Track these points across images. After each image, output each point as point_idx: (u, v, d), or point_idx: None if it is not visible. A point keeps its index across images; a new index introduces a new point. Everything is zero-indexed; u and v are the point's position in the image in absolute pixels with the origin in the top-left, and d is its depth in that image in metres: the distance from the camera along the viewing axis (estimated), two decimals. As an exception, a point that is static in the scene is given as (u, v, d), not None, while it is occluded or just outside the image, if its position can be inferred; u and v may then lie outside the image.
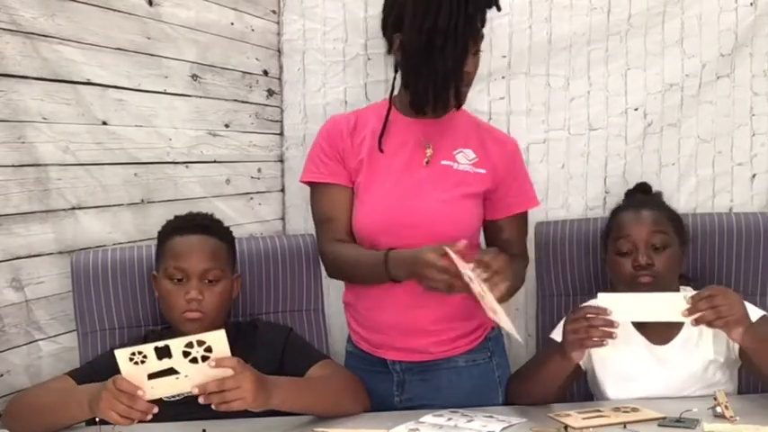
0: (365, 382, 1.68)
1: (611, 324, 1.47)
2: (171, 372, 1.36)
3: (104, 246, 1.88)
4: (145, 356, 1.35)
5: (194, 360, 1.36)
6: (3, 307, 1.71)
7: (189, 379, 1.37)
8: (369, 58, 2.21)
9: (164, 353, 1.35)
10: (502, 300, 1.44)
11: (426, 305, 1.63)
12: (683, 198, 2.19)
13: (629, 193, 1.87)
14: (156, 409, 1.37)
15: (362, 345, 1.76)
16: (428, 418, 1.53)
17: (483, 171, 1.70)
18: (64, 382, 1.58)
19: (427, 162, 1.67)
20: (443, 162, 1.68)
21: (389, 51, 1.70)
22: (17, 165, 1.71)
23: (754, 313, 1.65)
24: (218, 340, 1.36)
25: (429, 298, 1.57)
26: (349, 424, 1.52)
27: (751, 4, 2.13)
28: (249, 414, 1.51)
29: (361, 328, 1.76)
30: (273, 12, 2.24)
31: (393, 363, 1.73)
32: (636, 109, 2.19)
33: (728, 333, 1.50)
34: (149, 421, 1.54)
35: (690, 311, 1.47)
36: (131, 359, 1.35)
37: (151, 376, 1.36)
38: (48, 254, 1.80)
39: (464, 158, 1.69)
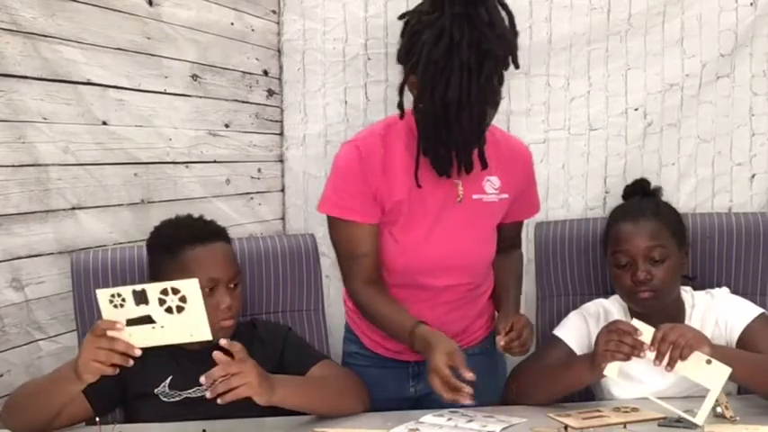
0: (378, 379, 1.71)
1: (641, 345, 1.47)
2: (148, 321, 1.37)
3: (104, 246, 1.87)
4: (124, 300, 1.35)
5: (170, 310, 1.36)
6: (3, 307, 1.71)
7: (165, 330, 1.36)
8: (369, 58, 2.21)
9: (141, 298, 1.36)
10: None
11: (445, 323, 1.65)
12: (683, 198, 2.19)
13: (627, 192, 1.85)
14: (138, 351, 1.34)
15: (380, 350, 1.78)
16: (428, 418, 1.53)
17: (506, 196, 1.70)
18: None
19: (459, 200, 1.65)
20: (474, 197, 1.66)
21: (401, 89, 1.59)
22: (17, 165, 1.71)
23: (753, 310, 1.66)
24: (191, 289, 1.35)
25: (447, 316, 1.68)
26: (349, 424, 1.52)
27: (751, 4, 2.13)
28: (249, 414, 1.52)
29: (380, 337, 1.76)
30: (273, 12, 2.24)
31: (411, 363, 1.76)
32: (636, 109, 2.19)
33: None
34: (149, 421, 1.56)
35: (660, 360, 1.45)
36: (111, 301, 1.36)
37: (129, 323, 1.36)
38: (48, 254, 1.80)
39: (491, 188, 1.68)
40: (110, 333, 1.34)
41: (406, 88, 1.57)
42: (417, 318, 1.58)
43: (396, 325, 1.61)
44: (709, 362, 1.43)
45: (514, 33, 1.54)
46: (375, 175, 1.62)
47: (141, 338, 1.36)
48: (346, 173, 1.64)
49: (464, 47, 1.46)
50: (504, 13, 1.53)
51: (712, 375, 1.43)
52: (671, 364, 1.44)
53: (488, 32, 1.48)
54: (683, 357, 1.44)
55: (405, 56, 1.56)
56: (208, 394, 1.36)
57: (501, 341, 1.57)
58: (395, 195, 1.62)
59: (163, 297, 1.35)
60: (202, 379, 1.35)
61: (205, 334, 1.36)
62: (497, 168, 1.67)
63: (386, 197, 1.63)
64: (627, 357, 1.47)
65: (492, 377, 1.74)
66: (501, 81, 1.53)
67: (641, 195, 1.79)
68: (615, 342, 1.47)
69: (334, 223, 1.67)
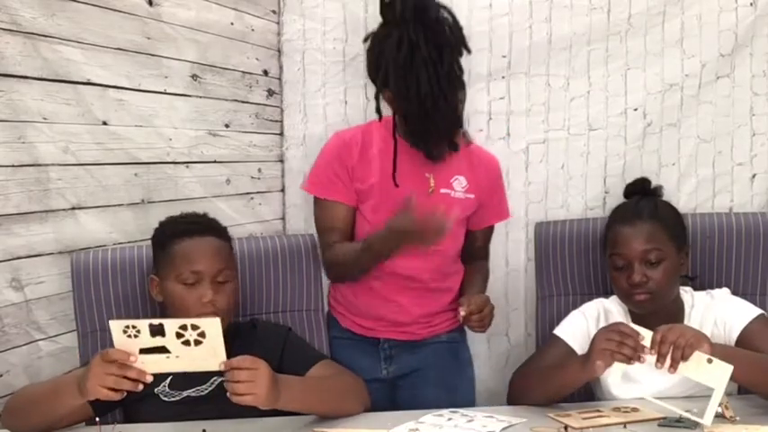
0: (352, 360, 1.80)
1: (642, 349, 1.46)
2: (162, 351, 1.36)
3: (104, 246, 1.87)
4: (138, 331, 1.35)
5: (187, 342, 1.35)
6: (2, 307, 1.70)
7: (179, 360, 1.36)
8: None
9: (157, 331, 1.36)
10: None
11: (410, 303, 1.86)
12: (683, 198, 2.18)
13: (627, 191, 1.85)
14: (150, 378, 1.35)
15: (355, 328, 1.91)
16: (428, 418, 1.52)
17: (472, 196, 1.85)
18: None
19: (431, 192, 1.81)
20: (443, 191, 1.82)
21: (377, 96, 1.78)
22: (17, 165, 1.70)
23: (752, 311, 1.65)
24: (212, 327, 1.35)
25: (412, 297, 1.84)
26: (349, 424, 1.51)
27: (751, 4, 2.12)
28: (249, 414, 1.51)
29: (354, 315, 1.91)
30: (273, 12, 2.23)
31: (383, 342, 1.89)
32: (635, 109, 2.18)
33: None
34: (149, 421, 1.55)
35: (661, 362, 1.44)
36: (125, 332, 1.35)
37: (142, 352, 1.36)
38: (48, 254, 1.79)
39: (459, 186, 1.84)
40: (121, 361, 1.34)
41: (383, 101, 1.78)
42: (389, 299, 1.83)
43: (355, 249, 1.79)
44: (710, 361, 1.42)
45: (459, 27, 1.74)
46: (352, 158, 1.83)
47: (154, 365, 1.37)
48: (328, 156, 1.87)
49: (422, 45, 1.67)
50: (446, 13, 1.73)
51: (715, 374, 1.42)
52: (674, 366, 1.43)
53: (438, 29, 1.70)
54: (685, 357, 1.43)
55: (374, 73, 1.77)
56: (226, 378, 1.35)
57: (462, 312, 1.69)
58: (369, 179, 1.82)
59: (181, 331, 1.35)
60: (221, 366, 1.36)
61: (215, 365, 1.37)
62: (466, 170, 1.85)
63: (360, 179, 1.83)
64: (626, 360, 1.46)
65: (455, 361, 1.92)
66: (460, 68, 1.74)
67: (642, 195, 1.78)
68: (616, 343, 1.47)
69: (315, 202, 1.89)
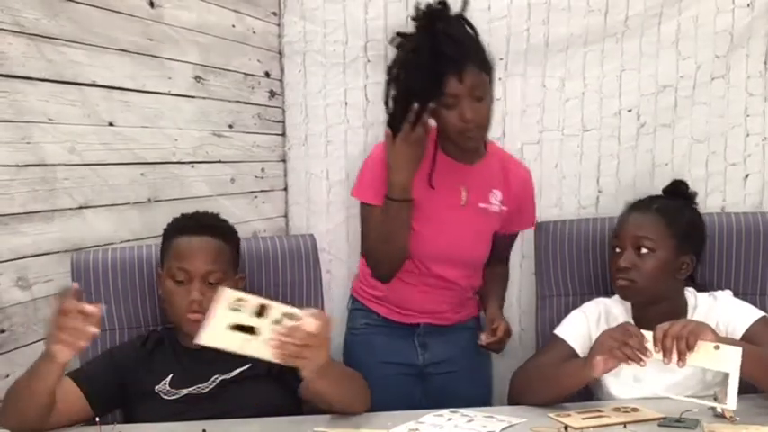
0: (388, 346, 1.85)
1: (646, 350, 1.39)
2: (250, 331, 1.29)
3: (112, 244, 1.81)
4: (244, 306, 1.29)
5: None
6: (10, 306, 1.64)
7: (257, 344, 1.29)
8: (368, 60, 2.15)
9: (261, 312, 1.29)
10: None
11: (437, 299, 1.85)
12: (676, 198, 2.12)
13: (664, 192, 1.74)
14: (97, 312, 1.25)
15: (393, 316, 1.88)
16: (428, 418, 1.45)
17: (506, 208, 1.83)
18: (63, 383, 1.46)
19: (464, 205, 1.79)
20: (481, 205, 1.80)
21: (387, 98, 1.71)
22: (22, 165, 1.63)
23: (754, 314, 1.58)
24: (310, 325, 1.28)
25: (444, 300, 1.85)
26: (349, 424, 1.44)
27: (748, 5, 2.06)
28: (249, 414, 1.46)
29: (393, 305, 1.88)
30: (274, 14, 2.18)
31: (417, 326, 1.87)
32: (629, 110, 2.13)
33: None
34: (149, 419, 1.48)
35: (668, 356, 1.37)
36: (231, 304, 1.29)
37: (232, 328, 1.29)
38: (54, 252, 1.73)
39: (495, 199, 1.81)
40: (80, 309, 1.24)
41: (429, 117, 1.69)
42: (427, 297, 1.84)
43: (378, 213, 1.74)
44: (717, 347, 1.35)
45: (476, 41, 1.67)
46: None
47: (231, 341, 1.29)
48: (376, 164, 1.77)
49: (424, 50, 1.61)
50: (468, 28, 1.66)
51: (726, 359, 1.35)
52: (681, 359, 1.36)
53: (445, 39, 1.61)
54: (690, 347, 1.35)
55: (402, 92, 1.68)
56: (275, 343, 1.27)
57: (484, 341, 1.71)
58: (414, 192, 1.74)
59: (280, 318, 1.28)
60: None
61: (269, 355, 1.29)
62: (501, 184, 1.82)
63: None
64: (626, 359, 1.39)
65: (474, 348, 1.84)
66: (461, 78, 1.63)
67: (673, 196, 1.70)
68: (619, 342, 1.40)
69: (366, 207, 1.79)
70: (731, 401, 1.34)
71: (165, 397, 1.50)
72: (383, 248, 1.76)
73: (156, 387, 1.51)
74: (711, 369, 1.40)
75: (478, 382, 1.92)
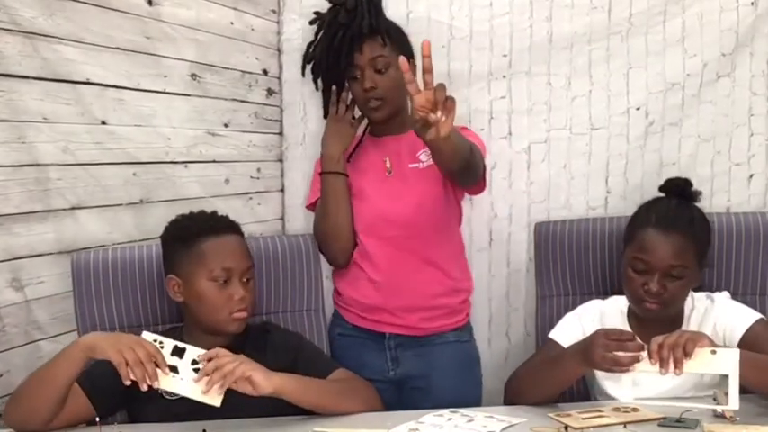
0: (360, 359, 1.90)
1: (637, 358, 1.45)
2: (173, 370, 1.47)
3: (104, 245, 1.89)
4: (162, 346, 1.47)
5: (197, 371, 1.47)
6: (3, 307, 1.72)
7: (182, 383, 1.47)
8: None
9: (178, 353, 1.48)
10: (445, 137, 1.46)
11: (413, 282, 1.92)
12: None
13: (665, 187, 1.80)
14: (157, 385, 1.44)
15: (360, 322, 1.98)
16: (428, 418, 1.55)
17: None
18: None
19: (390, 173, 1.96)
20: (411, 166, 1.94)
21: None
22: (17, 165, 1.72)
23: (751, 316, 1.67)
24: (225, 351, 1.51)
25: (410, 276, 1.91)
26: (349, 424, 1.53)
27: (752, 3, 2.13)
28: (249, 414, 1.54)
29: (357, 309, 1.98)
30: (273, 11, 2.24)
31: (389, 338, 1.95)
32: (638, 108, 2.19)
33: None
34: (152, 420, 1.58)
35: (665, 366, 1.43)
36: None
37: None
38: (48, 254, 1.81)
39: (425, 156, 1.92)
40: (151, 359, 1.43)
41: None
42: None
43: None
44: (713, 352, 1.43)
45: (378, 15, 1.93)
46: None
47: (164, 381, 1.47)
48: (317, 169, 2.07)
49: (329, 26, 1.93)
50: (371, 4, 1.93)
51: (723, 362, 1.42)
52: (678, 366, 1.42)
53: (345, 14, 1.89)
54: (688, 353, 1.41)
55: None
56: (202, 388, 1.44)
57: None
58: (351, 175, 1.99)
59: (197, 359, 1.48)
60: (201, 385, 1.44)
61: (216, 401, 1.46)
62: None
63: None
64: (614, 368, 1.47)
65: (463, 363, 1.98)
66: (361, 50, 1.90)
67: (679, 197, 1.75)
68: (612, 354, 1.45)
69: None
70: (733, 402, 1.41)
71: (168, 397, 1.57)
72: (323, 226, 1.96)
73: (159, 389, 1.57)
74: (710, 373, 1.46)
75: (463, 394, 1.89)
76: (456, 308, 1.98)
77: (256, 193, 2.26)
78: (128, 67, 1.91)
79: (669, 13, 2.15)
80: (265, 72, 2.22)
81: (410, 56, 1.91)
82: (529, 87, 2.20)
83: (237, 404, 1.49)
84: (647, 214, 1.72)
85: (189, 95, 2.05)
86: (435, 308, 1.95)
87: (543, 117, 2.22)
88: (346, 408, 1.58)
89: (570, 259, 1.93)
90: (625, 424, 1.47)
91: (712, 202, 2.18)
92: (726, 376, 1.43)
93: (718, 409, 1.47)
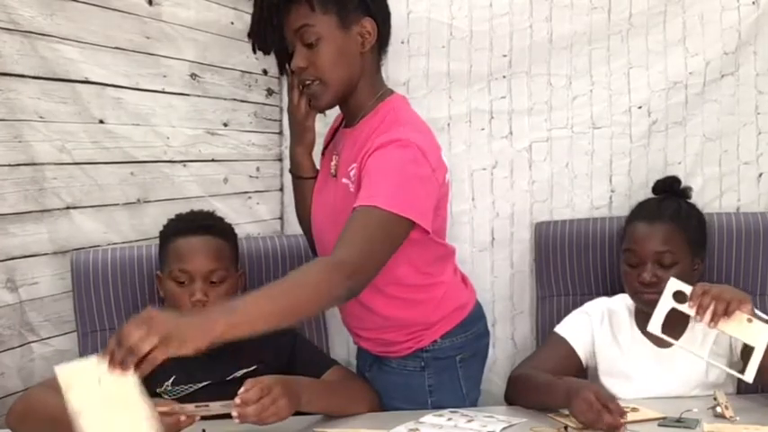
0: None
1: (624, 415, 1.45)
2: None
3: (99, 246, 1.91)
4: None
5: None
6: None
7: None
8: None
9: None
10: None
11: (356, 315, 1.73)
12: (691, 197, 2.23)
13: (656, 187, 1.87)
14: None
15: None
16: (428, 418, 1.58)
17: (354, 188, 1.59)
18: None
19: (333, 174, 1.69)
20: (344, 180, 1.62)
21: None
22: (13, 164, 1.75)
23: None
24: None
25: (357, 309, 1.67)
26: (349, 424, 1.57)
27: (753, 2, 2.16)
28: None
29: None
30: (273, 10, 2.28)
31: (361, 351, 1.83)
32: (640, 107, 2.21)
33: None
34: None
35: (701, 314, 1.45)
36: None
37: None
38: (43, 254, 1.85)
39: (352, 174, 1.60)
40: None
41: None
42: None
43: None
44: (750, 320, 1.46)
45: None
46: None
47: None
48: None
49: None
50: None
51: (755, 334, 1.46)
52: (714, 320, 1.44)
53: None
54: (729, 313, 1.44)
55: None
56: (235, 413, 1.40)
57: None
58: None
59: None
60: (236, 402, 1.40)
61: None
62: (360, 156, 1.56)
63: None
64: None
65: (420, 390, 1.72)
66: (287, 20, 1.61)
67: (669, 193, 1.82)
68: (594, 415, 1.45)
69: None
70: (750, 375, 1.46)
71: (168, 397, 1.61)
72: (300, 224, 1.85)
73: (159, 389, 1.62)
74: (739, 339, 1.50)
75: None
76: (398, 341, 1.73)
77: (255, 192, 2.27)
78: (127, 66, 1.94)
79: (669, 12, 2.18)
80: (265, 72, 2.23)
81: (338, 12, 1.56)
82: (529, 87, 2.22)
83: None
84: (637, 211, 1.83)
85: (188, 95, 2.07)
86: (373, 339, 1.77)
87: (544, 116, 2.23)
88: (351, 412, 1.62)
89: (570, 259, 1.96)
90: (625, 424, 1.50)
91: (722, 201, 2.20)
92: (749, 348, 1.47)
93: (735, 374, 1.51)
